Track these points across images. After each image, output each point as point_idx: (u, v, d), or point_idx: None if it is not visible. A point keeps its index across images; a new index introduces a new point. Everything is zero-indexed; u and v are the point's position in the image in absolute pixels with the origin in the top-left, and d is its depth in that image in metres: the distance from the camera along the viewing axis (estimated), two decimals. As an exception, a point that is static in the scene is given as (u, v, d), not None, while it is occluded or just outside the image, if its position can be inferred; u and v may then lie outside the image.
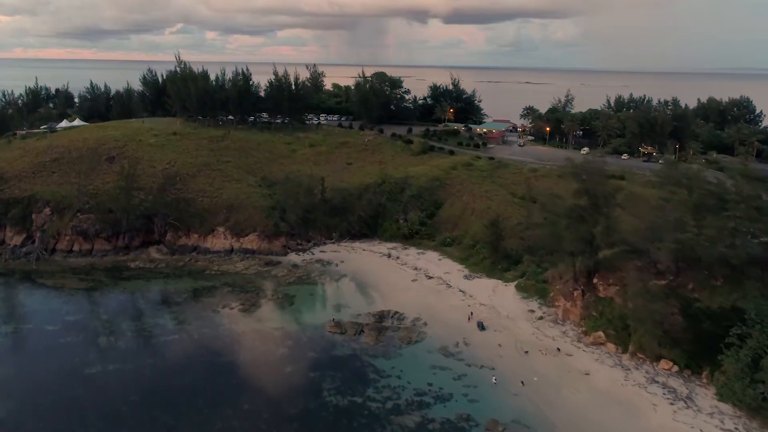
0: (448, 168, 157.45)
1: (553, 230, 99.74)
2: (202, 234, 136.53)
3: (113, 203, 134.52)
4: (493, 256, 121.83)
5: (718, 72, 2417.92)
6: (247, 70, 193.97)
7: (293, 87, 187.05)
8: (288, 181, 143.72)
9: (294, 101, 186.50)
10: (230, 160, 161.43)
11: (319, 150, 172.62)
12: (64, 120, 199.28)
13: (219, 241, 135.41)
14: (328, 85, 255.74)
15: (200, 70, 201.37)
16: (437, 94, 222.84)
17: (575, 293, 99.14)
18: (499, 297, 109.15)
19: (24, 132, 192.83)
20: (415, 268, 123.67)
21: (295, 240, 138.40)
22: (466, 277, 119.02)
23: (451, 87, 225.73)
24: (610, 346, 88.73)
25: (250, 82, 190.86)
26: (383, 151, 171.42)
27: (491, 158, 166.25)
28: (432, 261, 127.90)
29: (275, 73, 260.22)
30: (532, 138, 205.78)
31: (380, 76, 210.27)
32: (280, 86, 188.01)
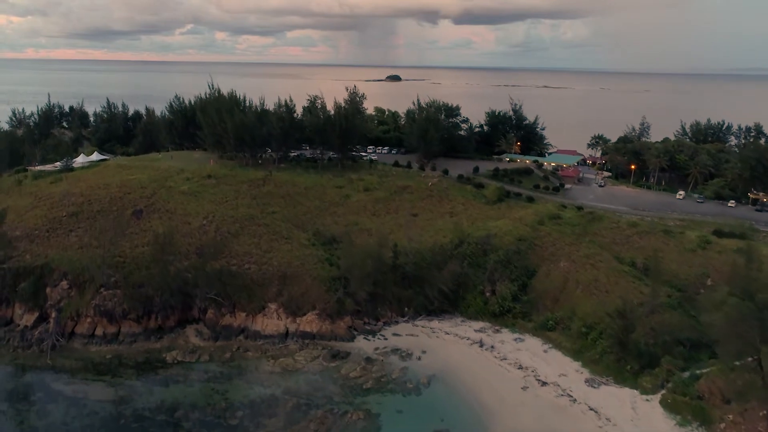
0: (533, 223, 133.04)
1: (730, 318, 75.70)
2: (251, 312, 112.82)
3: (144, 278, 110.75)
4: (620, 352, 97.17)
5: (736, 73, 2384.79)
6: (291, 100, 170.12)
7: (344, 117, 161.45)
8: (351, 244, 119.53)
9: (346, 135, 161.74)
10: (276, 211, 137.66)
11: (376, 196, 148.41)
12: (81, 155, 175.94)
13: (271, 322, 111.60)
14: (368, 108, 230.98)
15: (233, 93, 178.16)
16: (495, 120, 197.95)
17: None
18: (644, 421, 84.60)
19: (36, 169, 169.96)
20: (520, 366, 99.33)
21: (361, 319, 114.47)
22: (588, 382, 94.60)
23: (510, 112, 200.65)
24: None
25: (294, 114, 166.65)
26: (451, 197, 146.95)
27: (579, 208, 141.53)
28: (537, 353, 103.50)
29: (312, 100, 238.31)
30: (610, 174, 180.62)
31: (434, 105, 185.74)
32: (328, 117, 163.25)
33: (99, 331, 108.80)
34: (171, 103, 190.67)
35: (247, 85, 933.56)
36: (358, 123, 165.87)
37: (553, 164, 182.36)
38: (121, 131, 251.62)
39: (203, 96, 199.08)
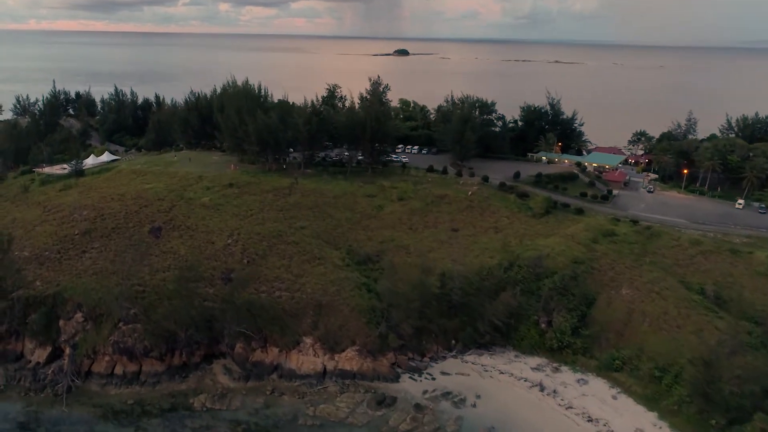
0: (587, 241, 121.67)
1: None
2: (284, 348, 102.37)
3: (167, 311, 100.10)
4: (703, 404, 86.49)
5: (748, 46, 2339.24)
6: (318, 98, 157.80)
7: (374, 119, 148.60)
8: (392, 270, 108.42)
9: (377, 137, 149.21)
10: (305, 225, 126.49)
11: (412, 206, 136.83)
12: (91, 156, 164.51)
13: (307, 359, 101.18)
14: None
15: (253, 88, 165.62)
16: (531, 116, 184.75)
17: None
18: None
19: (44, 171, 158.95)
20: (589, 418, 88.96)
21: (405, 354, 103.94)
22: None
23: (547, 107, 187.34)
24: None
25: (321, 112, 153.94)
26: (494, 209, 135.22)
27: (634, 222, 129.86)
28: (605, 400, 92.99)
29: (331, 90, 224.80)
30: (656, 177, 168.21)
31: (468, 101, 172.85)
32: (353, 117, 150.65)
33: (118, 370, 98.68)
34: (186, 100, 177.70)
35: (251, 60, 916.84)
36: (390, 125, 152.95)
37: (594, 164, 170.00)
38: (131, 121, 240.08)
39: (222, 88, 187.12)
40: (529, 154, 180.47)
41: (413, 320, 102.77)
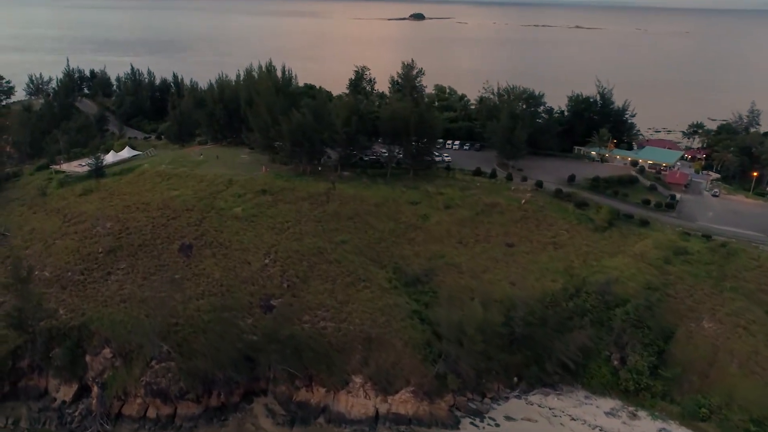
0: (658, 261, 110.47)
1: None
2: (332, 388, 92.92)
3: (203, 347, 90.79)
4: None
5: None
6: (361, 94, 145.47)
7: (418, 114, 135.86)
8: (451, 304, 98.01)
9: (421, 134, 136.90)
10: (346, 240, 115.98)
11: (460, 216, 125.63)
12: (111, 152, 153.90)
13: (357, 401, 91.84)
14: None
15: (287, 76, 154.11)
16: (579, 107, 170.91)
17: None
18: None
19: (61, 169, 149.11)
20: (680, 483, 79.05)
21: (464, 394, 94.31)
22: None
23: (597, 97, 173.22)
24: None
25: (362, 107, 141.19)
26: (551, 220, 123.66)
27: (706, 236, 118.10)
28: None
29: (360, 72, 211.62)
30: (719, 177, 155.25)
31: (514, 91, 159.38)
32: (394, 113, 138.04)
33: (151, 413, 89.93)
34: (212, 85, 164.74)
35: (264, 27, 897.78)
36: (436, 121, 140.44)
37: (649, 162, 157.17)
38: (148, 104, 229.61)
39: (245, 73, 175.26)
40: (576, 148, 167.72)
41: (475, 361, 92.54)
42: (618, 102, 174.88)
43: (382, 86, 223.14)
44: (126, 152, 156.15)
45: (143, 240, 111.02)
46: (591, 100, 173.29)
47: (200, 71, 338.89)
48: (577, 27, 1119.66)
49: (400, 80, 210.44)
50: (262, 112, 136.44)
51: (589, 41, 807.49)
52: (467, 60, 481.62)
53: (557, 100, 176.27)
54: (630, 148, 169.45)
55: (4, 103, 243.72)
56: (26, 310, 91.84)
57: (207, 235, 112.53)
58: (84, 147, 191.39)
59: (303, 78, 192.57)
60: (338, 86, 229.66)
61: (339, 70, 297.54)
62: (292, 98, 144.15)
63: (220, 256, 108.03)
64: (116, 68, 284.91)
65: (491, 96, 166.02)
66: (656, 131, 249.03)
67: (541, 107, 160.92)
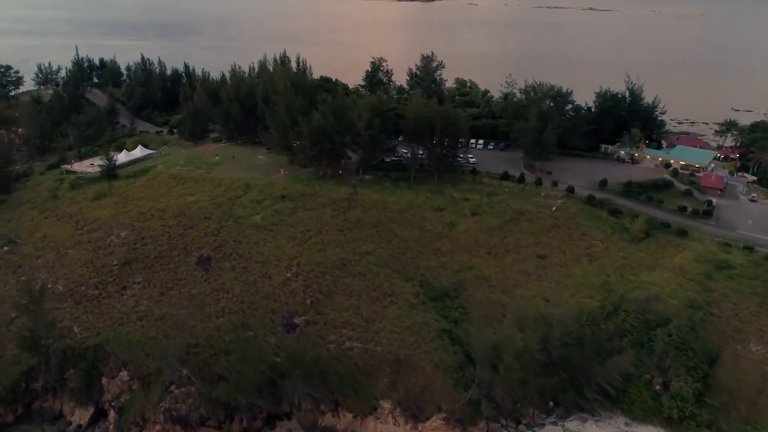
0: (699, 276, 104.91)
1: None
2: (359, 413, 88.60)
3: (223, 370, 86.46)
4: None
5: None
6: (386, 92, 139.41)
7: (443, 117, 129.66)
8: (482, 322, 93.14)
9: (447, 134, 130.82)
10: (369, 250, 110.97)
11: (487, 223, 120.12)
12: (123, 151, 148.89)
13: (386, 428, 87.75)
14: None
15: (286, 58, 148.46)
16: (607, 105, 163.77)
17: None
18: None
19: (72, 169, 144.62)
20: None
21: (498, 421, 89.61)
22: None
23: (626, 92, 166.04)
24: None
25: (384, 115, 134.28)
26: (584, 229, 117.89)
27: (748, 248, 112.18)
28: (746, 497, 78.22)
29: (376, 64, 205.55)
30: (755, 179, 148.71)
31: (542, 88, 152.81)
32: (418, 114, 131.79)
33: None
34: (225, 83, 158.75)
35: (271, 7, 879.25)
36: (462, 123, 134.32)
37: (681, 163, 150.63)
38: (159, 95, 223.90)
39: (259, 66, 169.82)
40: (603, 146, 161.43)
41: (510, 387, 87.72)
42: (647, 97, 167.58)
43: (399, 77, 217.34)
44: (138, 151, 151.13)
45: (159, 251, 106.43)
46: (619, 96, 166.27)
47: (209, 57, 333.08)
48: (590, 8, 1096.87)
49: (418, 72, 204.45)
50: (280, 112, 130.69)
51: (604, 24, 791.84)
52: (478, 44, 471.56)
53: (575, 86, 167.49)
54: (659, 147, 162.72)
55: (12, 93, 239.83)
56: (39, 330, 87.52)
57: (225, 246, 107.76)
58: (95, 141, 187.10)
59: (315, 65, 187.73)
60: (353, 76, 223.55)
61: (352, 57, 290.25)
62: (311, 97, 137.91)
63: (240, 270, 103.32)
64: (125, 54, 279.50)
65: (516, 93, 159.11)
66: (678, 122, 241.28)
67: (569, 105, 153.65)
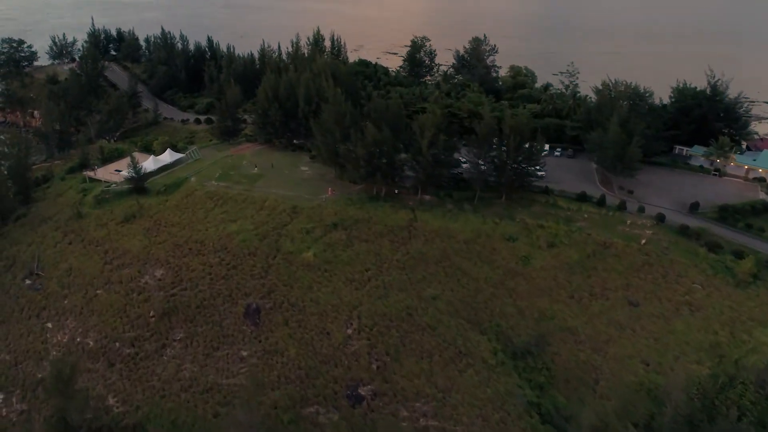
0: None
1: None
2: None
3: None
4: None
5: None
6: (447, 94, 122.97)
7: (516, 132, 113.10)
8: (572, 390, 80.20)
9: (526, 147, 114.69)
10: (437, 294, 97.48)
11: (567, 258, 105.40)
12: (150, 157, 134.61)
13: None
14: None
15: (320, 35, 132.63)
16: (687, 103, 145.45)
17: None
18: None
19: (96, 177, 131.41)
20: None
21: None
22: None
23: (706, 87, 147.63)
24: None
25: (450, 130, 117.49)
26: (679, 269, 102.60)
27: None
28: None
29: (419, 42, 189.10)
30: None
31: (620, 88, 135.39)
32: (488, 124, 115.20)
33: None
34: (263, 81, 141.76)
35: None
36: (539, 134, 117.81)
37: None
38: (183, 75, 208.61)
39: (293, 49, 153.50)
40: (678, 147, 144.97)
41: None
42: (731, 93, 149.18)
43: (441, 57, 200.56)
44: (168, 156, 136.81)
45: (201, 299, 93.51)
46: (699, 91, 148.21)
47: (229, 20, 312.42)
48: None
49: (466, 56, 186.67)
50: (328, 122, 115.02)
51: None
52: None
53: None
54: (740, 150, 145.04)
55: (27, 70, 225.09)
56: (71, 412, 75.59)
57: (275, 292, 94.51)
58: (115, 131, 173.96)
59: (345, 35, 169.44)
60: (384, 44, 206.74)
61: (378, 17, 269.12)
62: (354, 92, 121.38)
63: (294, 324, 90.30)
64: (140, 13, 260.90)
65: (590, 95, 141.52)
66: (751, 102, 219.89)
67: (647, 106, 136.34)
